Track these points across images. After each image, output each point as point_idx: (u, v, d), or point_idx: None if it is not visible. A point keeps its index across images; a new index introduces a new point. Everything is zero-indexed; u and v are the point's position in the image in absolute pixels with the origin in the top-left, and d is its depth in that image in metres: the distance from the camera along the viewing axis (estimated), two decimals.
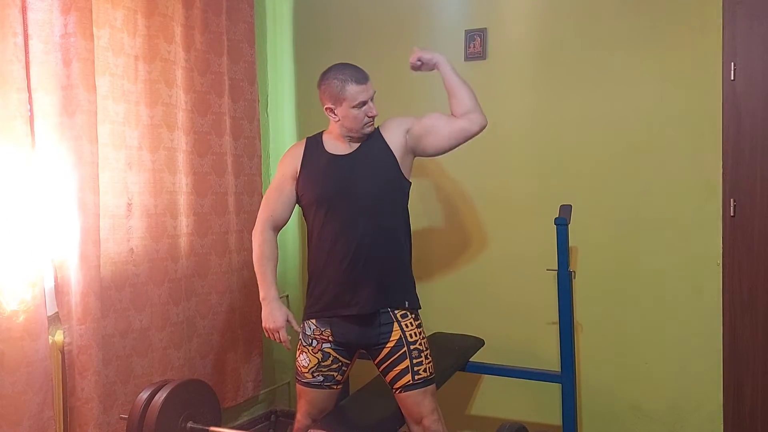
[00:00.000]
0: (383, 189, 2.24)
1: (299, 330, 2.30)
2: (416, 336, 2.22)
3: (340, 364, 2.29)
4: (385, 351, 2.21)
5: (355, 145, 2.28)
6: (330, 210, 2.23)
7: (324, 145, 2.31)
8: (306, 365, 2.29)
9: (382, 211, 2.23)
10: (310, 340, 2.29)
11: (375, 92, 2.25)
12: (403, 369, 2.19)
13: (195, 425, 2.17)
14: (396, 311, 2.23)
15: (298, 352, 2.32)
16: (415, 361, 2.19)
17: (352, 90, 2.19)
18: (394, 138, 2.28)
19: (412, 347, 2.19)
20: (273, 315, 2.24)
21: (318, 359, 2.28)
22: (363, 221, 2.20)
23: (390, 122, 2.34)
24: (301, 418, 2.33)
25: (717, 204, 2.73)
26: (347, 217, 2.22)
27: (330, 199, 2.23)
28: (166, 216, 2.78)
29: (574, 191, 2.88)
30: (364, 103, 2.21)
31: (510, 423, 2.27)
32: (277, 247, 2.35)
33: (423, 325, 2.31)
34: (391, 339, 2.20)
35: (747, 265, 2.71)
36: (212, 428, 2.19)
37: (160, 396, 2.10)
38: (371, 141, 2.28)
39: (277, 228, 2.36)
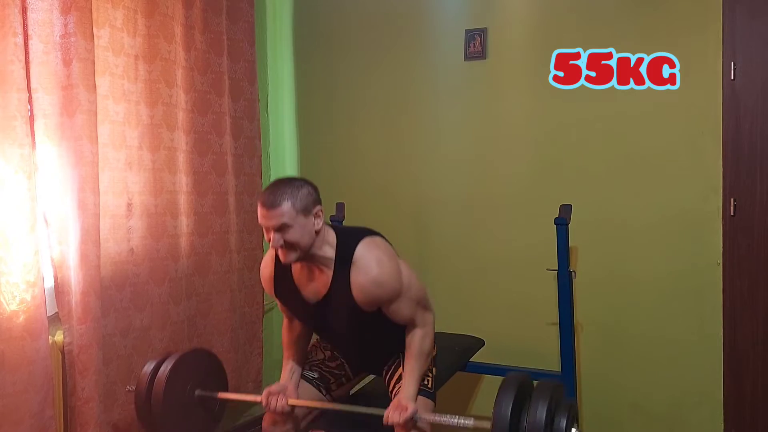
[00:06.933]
0: (359, 326, 2.09)
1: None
2: None
3: (342, 372, 2.30)
4: (388, 369, 2.25)
5: (322, 290, 2.03)
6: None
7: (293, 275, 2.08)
8: (312, 356, 2.31)
9: (364, 335, 2.14)
10: None
11: (288, 224, 1.86)
12: (399, 375, 2.17)
13: (203, 392, 2.19)
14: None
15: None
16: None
17: (258, 212, 1.92)
18: (364, 303, 2.01)
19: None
20: (276, 383, 2.17)
21: (325, 356, 2.31)
22: (347, 342, 2.24)
23: (371, 286, 1.96)
24: None
25: (717, 203, 2.73)
26: (331, 341, 2.30)
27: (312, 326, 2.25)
28: (167, 216, 2.77)
29: (574, 191, 2.88)
30: (267, 229, 1.91)
31: (515, 374, 2.00)
32: (296, 332, 2.23)
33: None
34: (394, 361, 2.23)
35: (747, 264, 2.71)
36: (220, 394, 2.21)
37: (167, 365, 2.12)
38: (338, 286, 1.99)
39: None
